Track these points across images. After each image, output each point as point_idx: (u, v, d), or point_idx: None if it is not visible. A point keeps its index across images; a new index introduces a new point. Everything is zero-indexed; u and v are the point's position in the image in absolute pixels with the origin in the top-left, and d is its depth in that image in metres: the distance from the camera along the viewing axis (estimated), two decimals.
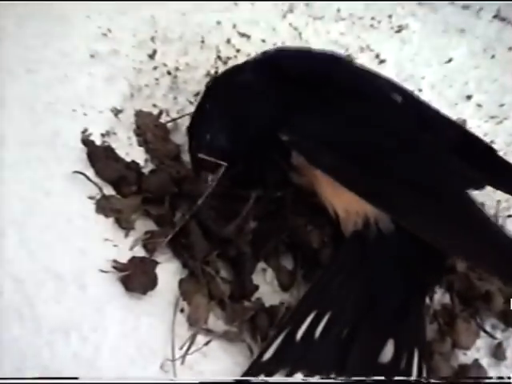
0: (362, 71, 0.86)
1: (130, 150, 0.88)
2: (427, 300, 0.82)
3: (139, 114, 0.89)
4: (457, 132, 0.84)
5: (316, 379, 0.73)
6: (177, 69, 0.94)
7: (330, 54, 0.87)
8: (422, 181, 0.77)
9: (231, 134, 0.82)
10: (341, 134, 0.79)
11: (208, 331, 0.80)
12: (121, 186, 0.84)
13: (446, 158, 0.80)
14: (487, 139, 0.93)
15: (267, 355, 0.75)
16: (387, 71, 0.94)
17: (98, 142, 0.86)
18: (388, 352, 0.75)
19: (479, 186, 0.82)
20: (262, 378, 0.74)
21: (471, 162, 0.80)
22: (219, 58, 0.95)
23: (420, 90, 0.97)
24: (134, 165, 0.86)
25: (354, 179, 0.77)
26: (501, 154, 0.88)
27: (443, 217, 0.76)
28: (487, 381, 0.81)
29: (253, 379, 0.74)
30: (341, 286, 0.77)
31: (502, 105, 0.97)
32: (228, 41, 0.97)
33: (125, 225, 0.83)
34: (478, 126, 0.95)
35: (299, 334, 0.75)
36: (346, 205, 0.79)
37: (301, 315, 0.76)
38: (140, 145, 0.89)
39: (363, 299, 0.76)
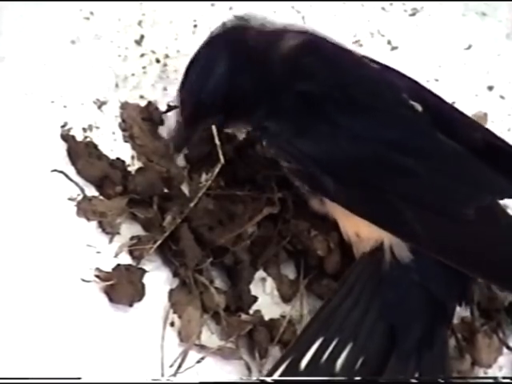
0: (378, 75, 0.83)
1: (115, 147, 0.86)
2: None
3: (125, 106, 0.88)
4: (483, 136, 0.82)
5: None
6: (166, 56, 0.92)
7: (340, 51, 0.83)
8: (442, 202, 0.77)
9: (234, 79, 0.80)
10: (344, 154, 0.77)
11: (201, 347, 0.79)
12: (104, 186, 0.83)
13: (471, 171, 0.79)
14: (511, 135, 0.93)
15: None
16: (400, 59, 0.93)
17: (79, 138, 0.84)
18: None
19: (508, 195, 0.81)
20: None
21: (499, 168, 0.79)
22: None
23: (436, 80, 0.95)
24: (118, 163, 0.84)
25: (361, 204, 0.77)
26: None
27: (473, 246, 0.76)
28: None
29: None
30: (350, 311, 0.77)
31: None
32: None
33: (109, 229, 0.81)
34: (500, 120, 0.95)
35: (304, 362, 0.74)
36: (357, 229, 0.79)
37: (306, 341, 0.75)
38: (126, 140, 0.87)
39: (380, 328, 0.76)
